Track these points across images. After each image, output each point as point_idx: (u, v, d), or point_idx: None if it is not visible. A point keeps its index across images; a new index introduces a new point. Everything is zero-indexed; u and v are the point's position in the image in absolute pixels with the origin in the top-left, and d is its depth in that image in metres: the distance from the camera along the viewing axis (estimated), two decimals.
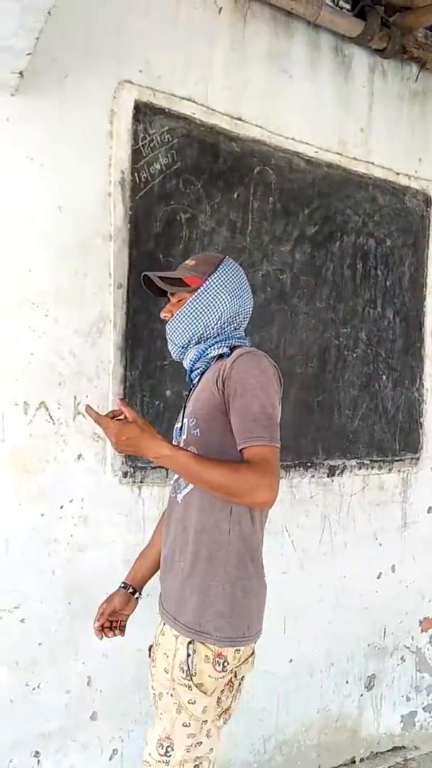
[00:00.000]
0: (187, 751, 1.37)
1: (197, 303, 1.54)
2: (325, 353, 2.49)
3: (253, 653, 1.49)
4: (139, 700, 2.03)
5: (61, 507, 1.90)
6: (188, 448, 1.42)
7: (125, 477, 2.01)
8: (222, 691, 1.41)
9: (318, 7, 2.29)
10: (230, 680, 1.43)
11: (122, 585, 1.68)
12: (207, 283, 1.54)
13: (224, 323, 1.54)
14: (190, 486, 1.44)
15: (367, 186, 2.57)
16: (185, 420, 1.51)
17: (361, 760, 2.68)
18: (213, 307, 1.53)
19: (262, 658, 2.32)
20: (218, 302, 1.53)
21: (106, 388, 1.97)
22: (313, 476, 2.46)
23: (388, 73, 2.62)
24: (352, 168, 2.52)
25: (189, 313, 1.54)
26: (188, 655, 1.36)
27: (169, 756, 1.36)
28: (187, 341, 1.55)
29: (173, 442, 1.51)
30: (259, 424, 1.35)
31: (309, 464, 2.45)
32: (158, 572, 1.58)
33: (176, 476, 1.51)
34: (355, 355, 2.57)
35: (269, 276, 2.32)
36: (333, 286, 2.49)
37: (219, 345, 1.52)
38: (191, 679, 1.36)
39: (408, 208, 2.71)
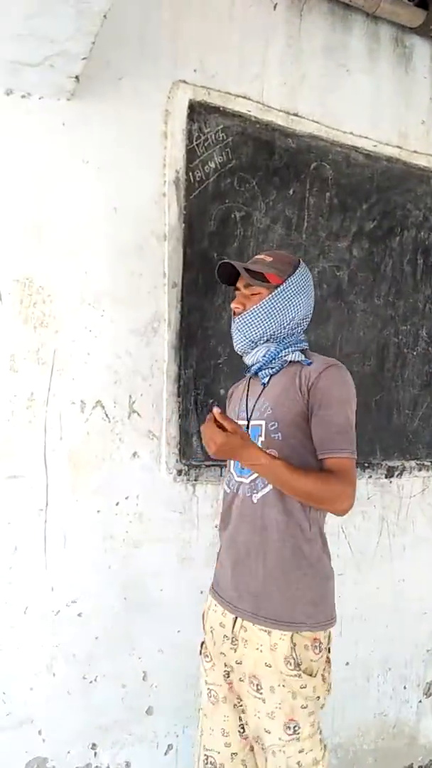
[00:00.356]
0: (312, 726, 1.51)
1: (276, 301, 1.58)
2: (383, 351, 2.43)
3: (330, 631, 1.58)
4: (194, 697, 2.04)
5: (117, 504, 1.93)
6: (268, 450, 1.47)
7: (179, 475, 2.02)
8: (323, 669, 1.53)
9: None
10: (327, 658, 1.54)
11: None
12: (287, 282, 1.59)
13: (295, 325, 1.61)
14: (269, 487, 1.51)
15: (428, 179, 2.49)
16: (262, 422, 1.54)
17: (420, 767, 2.61)
18: (289, 308, 1.58)
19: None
20: (295, 304, 1.59)
21: (160, 386, 1.98)
22: (370, 477, 2.41)
23: None
24: (412, 161, 2.44)
25: (266, 310, 1.57)
26: (292, 648, 1.46)
27: (298, 733, 1.48)
28: (259, 337, 1.58)
29: None
30: (344, 436, 1.47)
31: (366, 465, 2.40)
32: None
33: (250, 478, 1.55)
34: (415, 353, 2.50)
35: (326, 273, 2.28)
36: (392, 282, 2.43)
37: (293, 348, 1.58)
38: (299, 668, 1.47)
39: None
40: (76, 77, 1.66)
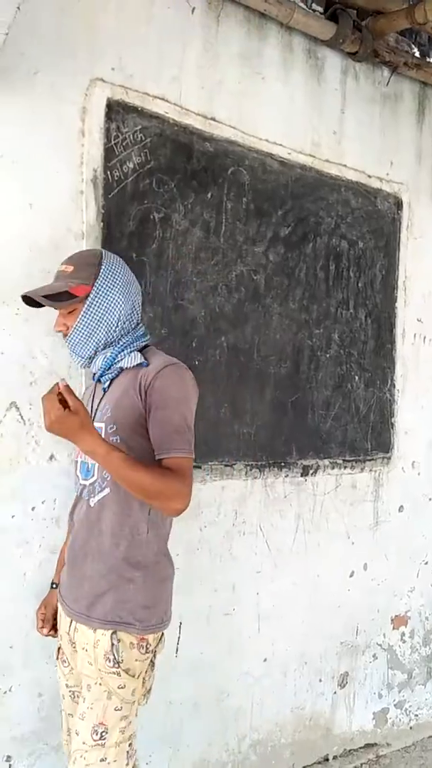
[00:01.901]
0: (122, 732, 1.46)
1: (92, 311, 1.51)
2: (298, 353, 2.50)
3: (163, 633, 1.58)
4: None
5: (33, 508, 1.87)
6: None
7: None
8: (146, 671, 1.51)
9: (291, 9, 2.30)
10: (151, 660, 1.53)
11: (53, 584, 1.74)
12: (96, 287, 1.51)
13: (124, 322, 1.55)
14: (106, 490, 1.50)
15: (339, 188, 2.59)
16: (102, 425, 1.51)
17: (334, 757, 2.70)
18: (109, 310, 1.52)
19: (237, 657, 2.34)
20: (113, 303, 1.53)
21: (79, 387, 1.95)
22: (287, 476, 2.47)
23: (360, 77, 2.65)
24: (324, 170, 2.54)
25: (87, 323, 1.51)
26: (113, 645, 1.44)
27: (104, 739, 1.43)
28: (92, 350, 1.54)
29: None
30: (181, 435, 1.46)
31: (283, 464, 2.46)
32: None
33: (90, 481, 1.53)
34: (328, 355, 2.59)
35: (243, 276, 2.32)
36: (306, 286, 2.51)
37: (130, 349, 1.54)
38: (119, 666, 1.45)
39: (380, 211, 2.74)
40: None
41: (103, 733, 1.42)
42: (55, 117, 1.87)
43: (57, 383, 1.35)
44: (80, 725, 1.44)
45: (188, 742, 2.23)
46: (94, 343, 1.52)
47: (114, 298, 1.52)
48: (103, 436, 1.44)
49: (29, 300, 1.56)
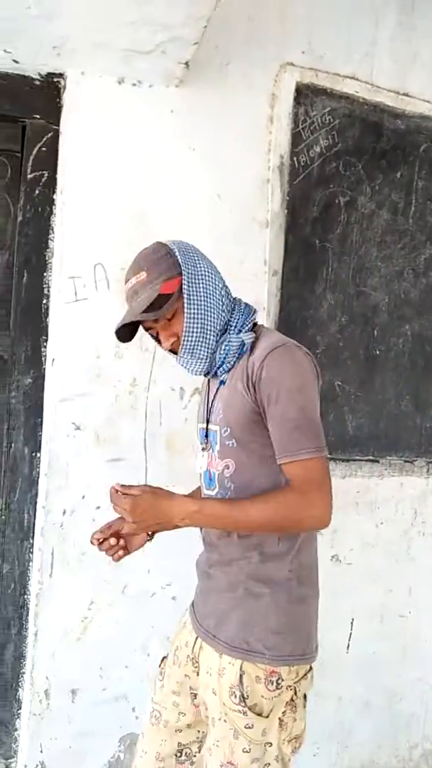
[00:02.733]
0: None
1: (195, 296, 1.27)
2: None
3: (311, 668, 1.29)
4: None
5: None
6: (224, 461, 1.27)
7: None
8: (284, 712, 1.23)
9: None
10: (291, 698, 1.24)
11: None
12: (184, 272, 1.28)
13: (223, 298, 1.31)
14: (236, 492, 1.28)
15: None
16: (217, 427, 1.29)
17: None
18: (209, 288, 1.29)
19: (411, 662, 2.23)
20: (208, 279, 1.30)
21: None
22: None
23: None
24: None
25: (197, 312, 1.26)
26: (240, 678, 1.21)
27: None
28: (214, 345, 1.28)
29: (200, 446, 1.34)
30: (302, 432, 1.19)
31: None
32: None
33: (213, 492, 1.31)
34: None
35: None
36: None
37: (238, 331, 1.29)
38: (245, 703, 1.20)
39: None
40: (186, 63, 1.66)
41: None
42: (244, 106, 1.89)
43: (112, 488, 1.22)
44: (209, 761, 1.25)
45: (357, 741, 2.18)
46: (212, 334, 1.27)
47: (206, 273, 1.30)
48: (219, 441, 1.28)
49: (123, 335, 1.35)
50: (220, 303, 1.29)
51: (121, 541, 1.37)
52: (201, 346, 1.27)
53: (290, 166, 1.94)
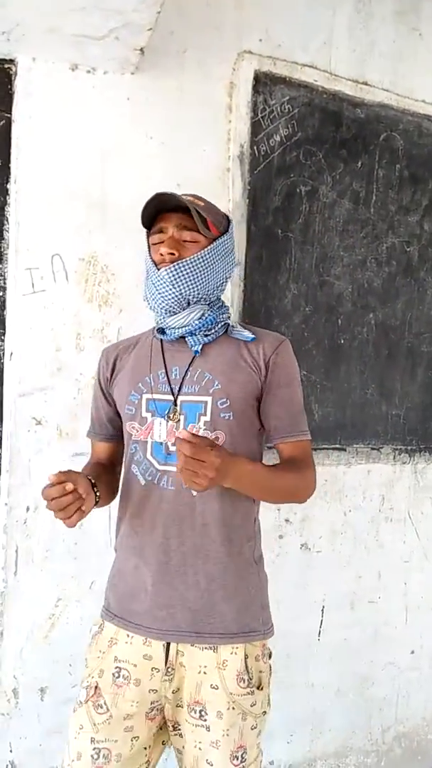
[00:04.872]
0: (257, 747, 1.30)
1: (214, 254, 1.32)
2: None
3: None
4: None
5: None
6: (213, 433, 1.27)
7: None
8: (269, 679, 1.33)
9: None
10: (270, 666, 1.34)
11: (87, 476, 1.25)
12: (224, 237, 1.35)
13: (222, 288, 1.39)
14: None
15: None
16: (207, 399, 1.28)
17: None
18: (223, 266, 1.35)
19: (382, 647, 2.26)
20: (227, 262, 1.37)
21: None
22: None
23: None
24: None
25: (206, 262, 1.30)
26: (245, 663, 1.25)
27: (244, 760, 1.25)
28: (194, 294, 1.30)
29: (159, 417, 1.29)
30: (304, 416, 1.35)
31: None
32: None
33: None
34: None
35: (395, 248, 2.19)
36: None
37: (224, 316, 1.37)
38: (250, 685, 1.25)
39: None
40: (141, 50, 1.63)
41: (243, 755, 1.25)
42: (203, 94, 1.87)
43: (182, 437, 1.08)
44: (215, 755, 1.23)
45: (330, 727, 2.20)
46: (199, 287, 1.30)
47: (228, 258, 1.37)
48: (208, 412, 1.28)
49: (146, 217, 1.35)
50: (216, 283, 1.35)
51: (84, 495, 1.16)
52: (184, 282, 1.28)
53: (250, 155, 1.92)
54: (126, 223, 1.80)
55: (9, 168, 1.73)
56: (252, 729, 1.26)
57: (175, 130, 1.84)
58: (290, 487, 1.29)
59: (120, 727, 1.25)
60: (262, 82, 1.93)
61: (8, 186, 1.74)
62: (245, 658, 1.24)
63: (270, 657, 1.34)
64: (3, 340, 1.76)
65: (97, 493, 1.24)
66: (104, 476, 1.39)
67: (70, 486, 1.11)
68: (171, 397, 1.30)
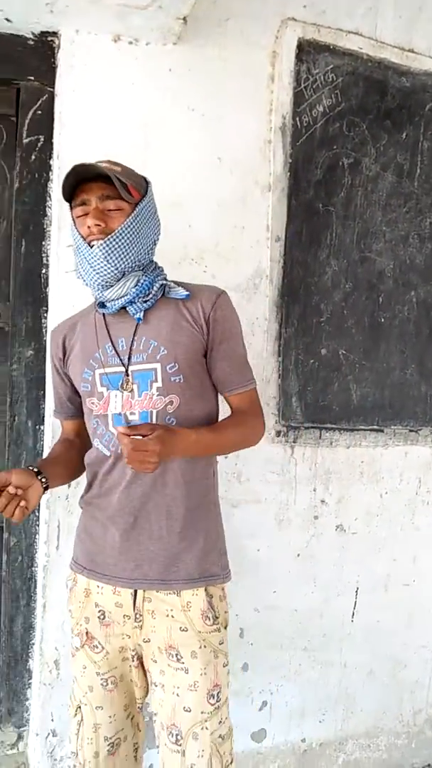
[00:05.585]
0: (228, 687, 1.38)
1: (141, 219, 1.31)
2: None
3: None
4: (289, 658, 2.04)
5: (216, 462, 1.91)
6: (167, 398, 1.31)
7: (278, 436, 1.98)
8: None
9: None
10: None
11: (29, 466, 1.35)
12: (145, 199, 1.33)
13: (152, 249, 1.38)
14: None
15: None
16: (156, 365, 1.31)
17: None
18: (149, 228, 1.35)
19: (416, 630, 2.24)
20: (153, 223, 1.36)
21: (260, 345, 1.93)
22: None
23: None
24: None
25: (134, 229, 1.29)
26: (209, 602, 1.34)
27: (219, 700, 1.34)
28: (129, 263, 1.30)
29: (113, 388, 1.33)
30: (247, 366, 1.42)
31: None
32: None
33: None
34: None
35: None
36: None
37: (160, 279, 1.36)
38: (217, 622, 1.35)
39: None
40: (184, 18, 1.59)
41: (218, 694, 1.33)
42: (245, 64, 1.82)
43: (121, 434, 1.19)
44: (192, 698, 1.30)
45: (362, 707, 2.20)
46: (133, 256, 1.30)
47: (155, 219, 1.37)
48: (159, 378, 1.31)
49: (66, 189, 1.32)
50: (150, 246, 1.35)
51: (20, 492, 1.24)
52: (119, 255, 1.27)
53: (292, 126, 1.87)
54: (168, 197, 1.77)
55: (52, 143, 1.71)
56: (224, 666, 1.36)
57: (216, 102, 1.80)
58: (237, 440, 1.39)
59: (117, 657, 1.38)
60: (306, 51, 1.87)
61: (51, 162, 1.72)
62: (209, 598, 1.34)
63: (226, 599, 1.41)
64: (46, 317, 1.75)
65: (43, 480, 1.31)
66: (68, 453, 1.49)
67: (5, 496, 1.21)
68: (122, 369, 1.33)
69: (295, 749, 2.09)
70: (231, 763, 1.37)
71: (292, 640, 2.04)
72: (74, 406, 1.50)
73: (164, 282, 1.36)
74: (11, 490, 1.22)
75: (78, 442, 1.52)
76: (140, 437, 1.17)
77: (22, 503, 1.22)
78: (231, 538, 1.92)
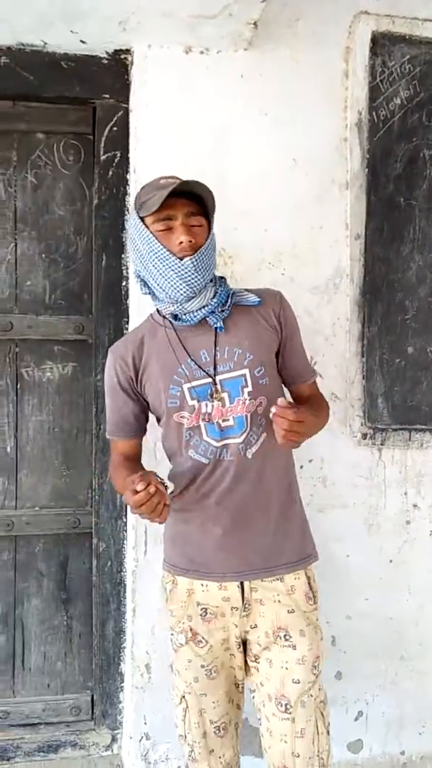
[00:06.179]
0: (323, 656, 1.48)
1: (213, 238, 1.39)
2: None
3: None
4: (385, 667, 1.98)
5: (301, 467, 1.89)
6: (257, 400, 1.38)
7: (364, 438, 1.93)
8: None
9: None
10: None
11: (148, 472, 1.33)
12: (213, 219, 1.40)
13: None
14: (263, 436, 1.40)
15: None
16: (245, 371, 1.37)
17: None
18: (214, 245, 1.43)
19: None
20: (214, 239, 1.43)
21: (343, 346, 1.90)
22: None
23: None
24: None
25: (213, 245, 1.40)
26: (308, 583, 1.45)
27: (319, 669, 1.44)
28: (209, 277, 1.38)
29: (202, 399, 1.37)
30: (308, 359, 1.56)
31: None
32: None
33: (236, 438, 1.37)
34: None
35: None
36: None
37: (226, 285, 1.45)
38: (316, 600, 1.46)
39: None
40: (255, 24, 1.59)
41: (318, 665, 1.44)
42: (317, 63, 1.80)
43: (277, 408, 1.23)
44: (300, 670, 1.41)
45: None
46: (212, 270, 1.39)
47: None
48: (250, 383, 1.38)
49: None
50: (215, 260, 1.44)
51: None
52: (203, 270, 1.34)
53: (369, 121, 1.83)
54: (243, 204, 1.78)
55: (128, 158, 1.76)
56: (321, 640, 1.47)
57: (289, 104, 1.79)
58: (323, 421, 1.50)
59: (220, 648, 1.46)
60: (380, 43, 1.83)
61: (128, 176, 1.76)
62: (308, 580, 1.45)
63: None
64: (127, 329, 1.80)
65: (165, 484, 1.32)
66: (137, 467, 1.50)
67: (152, 488, 1.19)
68: (209, 380, 1.38)
69: (393, 762, 2.03)
70: (329, 724, 1.48)
71: (387, 649, 1.97)
72: (139, 423, 1.51)
73: (238, 292, 1.44)
74: (152, 490, 1.19)
75: (136, 461, 1.54)
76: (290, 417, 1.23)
77: (167, 501, 1.23)
78: (319, 543, 1.89)
